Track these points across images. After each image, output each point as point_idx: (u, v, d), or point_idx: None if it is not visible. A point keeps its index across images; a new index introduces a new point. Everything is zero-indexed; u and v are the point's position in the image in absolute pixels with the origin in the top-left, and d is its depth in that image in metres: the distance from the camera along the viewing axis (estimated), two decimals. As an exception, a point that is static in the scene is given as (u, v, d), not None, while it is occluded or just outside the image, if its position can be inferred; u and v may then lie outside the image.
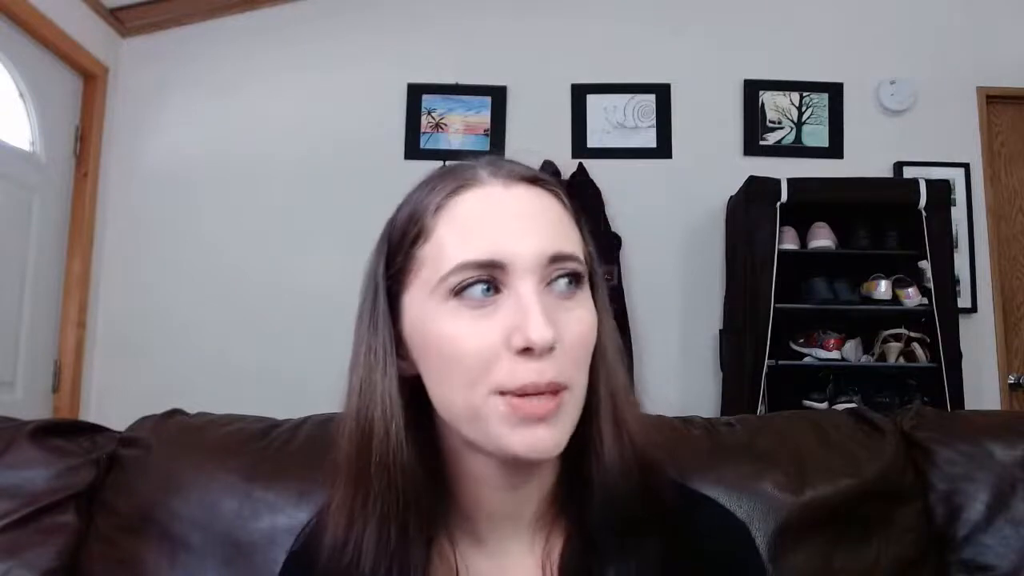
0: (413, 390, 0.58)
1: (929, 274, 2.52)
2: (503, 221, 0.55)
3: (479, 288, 0.54)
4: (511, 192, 0.57)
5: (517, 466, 0.58)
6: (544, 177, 0.60)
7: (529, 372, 0.52)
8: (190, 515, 0.92)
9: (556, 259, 0.55)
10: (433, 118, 2.97)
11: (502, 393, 0.53)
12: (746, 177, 2.65)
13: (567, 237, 0.57)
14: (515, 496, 0.60)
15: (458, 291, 0.54)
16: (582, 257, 0.57)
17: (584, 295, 0.58)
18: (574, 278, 0.56)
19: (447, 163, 0.63)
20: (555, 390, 0.53)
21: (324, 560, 0.58)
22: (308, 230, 2.89)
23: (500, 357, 0.53)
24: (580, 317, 0.56)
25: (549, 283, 0.55)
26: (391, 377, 0.58)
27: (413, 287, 0.57)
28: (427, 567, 0.58)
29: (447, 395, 0.56)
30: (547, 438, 0.53)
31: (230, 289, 2.86)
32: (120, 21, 2.91)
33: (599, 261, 0.62)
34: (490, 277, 0.54)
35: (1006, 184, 2.98)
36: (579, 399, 0.56)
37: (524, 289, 0.54)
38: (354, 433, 0.59)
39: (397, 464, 0.56)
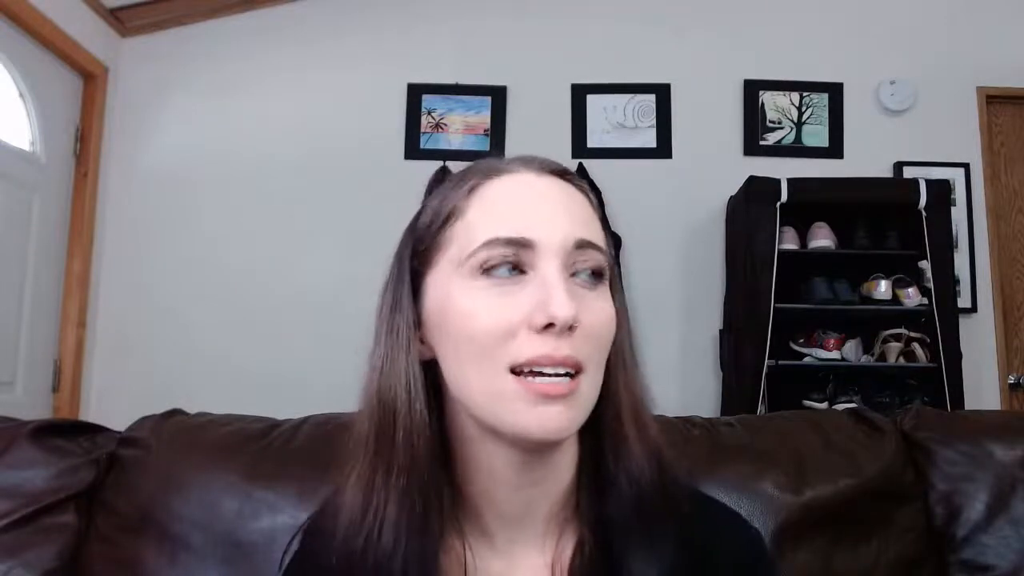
0: (428, 377, 0.59)
1: (929, 274, 2.52)
2: (534, 204, 0.57)
3: (505, 268, 0.55)
4: (543, 180, 0.59)
5: (531, 459, 0.57)
6: (574, 174, 0.62)
7: (545, 346, 0.52)
8: (190, 515, 0.92)
9: (582, 245, 0.56)
10: (433, 118, 2.97)
11: (516, 372, 0.53)
12: (746, 177, 2.65)
13: (593, 229, 0.58)
14: (527, 495, 0.59)
15: (485, 269, 0.55)
16: (606, 252, 0.58)
17: (606, 291, 0.58)
18: (597, 272, 0.57)
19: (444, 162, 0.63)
20: (571, 368, 0.53)
21: (341, 536, 0.58)
22: (308, 230, 2.89)
23: (518, 335, 0.53)
24: (602, 307, 0.57)
25: (573, 273, 0.56)
26: (414, 355, 0.58)
27: (439, 266, 0.58)
28: (438, 558, 0.58)
29: (464, 374, 0.56)
30: (560, 417, 0.53)
31: (230, 289, 2.86)
32: (120, 21, 2.91)
33: (616, 262, 0.63)
34: (516, 257, 0.55)
35: (1006, 184, 2.98)
36: (594, 385, 0.56)
37: (549, 270, 0.54)
38: (376, 410, 0.59)
39: (421, 440, 0.57)
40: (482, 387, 0.55)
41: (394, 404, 0.58)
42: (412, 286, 0.60)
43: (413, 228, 0.62)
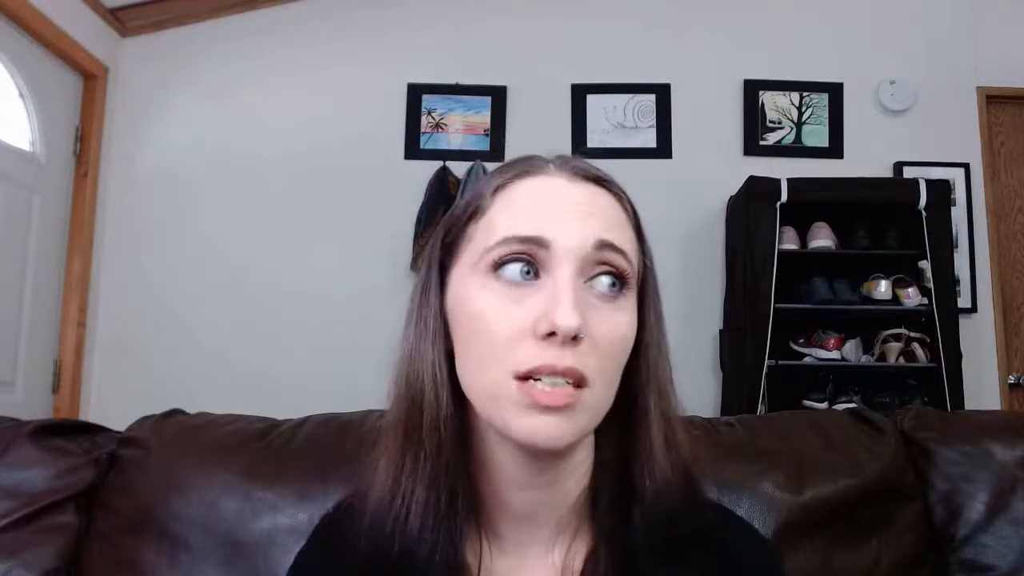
0: (453, 369, 0.58)
1: (929, 274, 2.52)
2: (557, 207, 0.55)
3: (518, 267, 0.54)
4: (574, 185, 0.57)
5: (539, 462, 0.57)
6: (612, 181, 0.60)
7: (548, 355, 0.51)
8: (190, 515, 0.92)
9: (602, 246, 0.54)
10: (433, 118, 2.97)
11: (519, 378, 0.52)
12: (746, 177, 2.65)
13: (620, 234, 0.56)
14: (536, 497, 0.59)
15: (498, 266, 0.54)
16: (633, 260, 0.57)
17: (629, 300, 0.56)
18: (618, 279, 0.55)
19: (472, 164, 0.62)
20: (573, 380, 0.52)
21: (369, 517, 0.58)
22: (308, 230, 2.89)
23: (524, 341, 0.52)
24: (618, 320, 0.55)
25: (591, 279, 0.55)
26: (440, 347, 0.58)
27: (461, 261, 0.58)
28: (463, 548, 0.58)
29: (471, 372, 0.56)
30: (553, 428, 0.52)
31: (230, 289, 2.86)
32: (120, 21, 2.91)
33: (655, 274, 0.61)
34: (530, 256, 0.54)
35: (1006, 184, 2.99)
36: (600, 401, 0.55)
37: (561, 275, 0.53)
38: (404, 398, 0.59)
39: (448, 429, 0.57)
40: (485, 388, 0.54)
41: (421, 393, 0.58)
42: (440, 278, 0.60)
43: (445, 220, 0.62)
